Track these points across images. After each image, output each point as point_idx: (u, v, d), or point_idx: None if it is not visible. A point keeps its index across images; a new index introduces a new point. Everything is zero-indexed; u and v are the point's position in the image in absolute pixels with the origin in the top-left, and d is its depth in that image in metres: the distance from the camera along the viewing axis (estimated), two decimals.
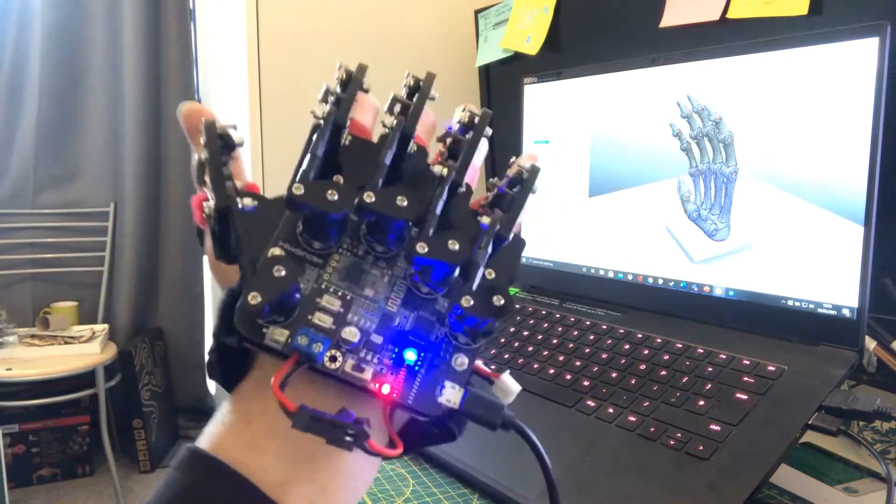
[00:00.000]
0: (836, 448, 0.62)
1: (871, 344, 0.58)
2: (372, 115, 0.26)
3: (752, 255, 0.62)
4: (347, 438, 0.20)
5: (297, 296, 0.21)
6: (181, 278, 2.48)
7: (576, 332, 0.70)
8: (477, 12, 1.23)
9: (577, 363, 0.65)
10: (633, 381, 0.59)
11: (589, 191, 0.78)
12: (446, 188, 0.22)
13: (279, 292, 0.20)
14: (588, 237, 0.78)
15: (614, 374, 0.61)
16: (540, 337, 0.71)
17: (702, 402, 0.54)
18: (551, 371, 0.65)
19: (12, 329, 2.09)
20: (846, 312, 0.56)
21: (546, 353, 0.68)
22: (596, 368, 0.63)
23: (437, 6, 1.39)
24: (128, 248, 2.33)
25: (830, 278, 0.57)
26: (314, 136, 0.22)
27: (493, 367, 0.24)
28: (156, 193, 2.41)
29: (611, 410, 0.56)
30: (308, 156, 0.22)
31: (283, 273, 0.20)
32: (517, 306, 0.79)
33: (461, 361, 0.22)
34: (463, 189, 0.23)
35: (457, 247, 0.21)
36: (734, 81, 0.64)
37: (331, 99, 0.24)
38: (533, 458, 0.27)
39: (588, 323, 0.71)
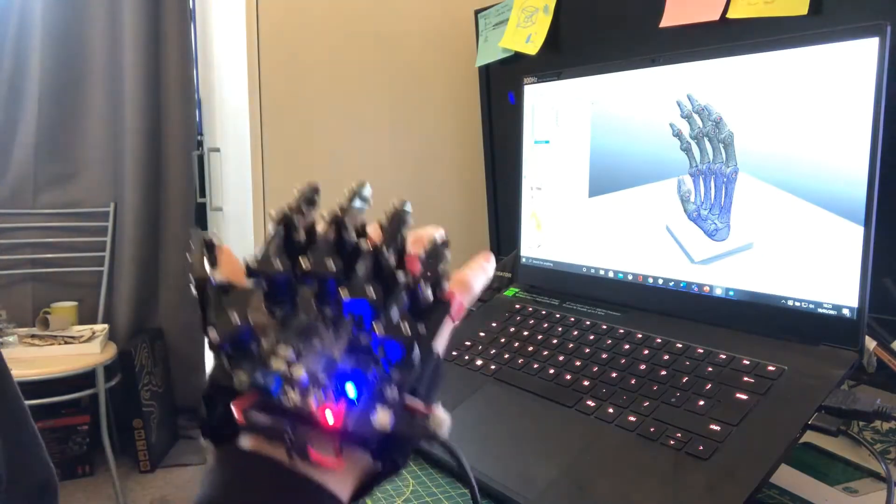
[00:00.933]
0: (836, 448, 0.62)
1: (871, 344, 0.58)
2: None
3: (752, 255, 0.62)
4: (286, 438, 0.25)
5: (255, 345, 0.27)
6: (181, 278, 2.48)
7: (576, 332, 0.70)
8: (477, 12, 1.23)
9: (577, 363, 0.65)
10: (633, 381, 0.59)
11: (589, 191, 0.78)
12: (370, 256, 0.29)
13: (232, 332, 0.27)
14: (588, 237, 0.78)
15: (614, 374, 0.61)
16: (540, 337, 0.71)
17: (702, 402, 0.54)
18: (551, 371, 0.65)
19: (12, 329, 2.09)
20: (846, 312, 0.56)
21: (546, 353, 0.68)
22: (596, 368, 0.63)
23: (437, 6, 1.39)
24: (128, 248, 2.34)
25: (830, 278, 0.57)
26: (271, 230, 0.31)
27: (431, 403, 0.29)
28: (156, 193, 2.41)
29: (611, 410, 0.56)
30: (264, 245, 0.30)
31: (237, 321, 0.27)
32: (517, 306, 0.79)
33: (392, 391, 0.27)
34: (387, 260, 0.30)
35: (372, 291, 0.28)
36: (734, 81, 0.64)
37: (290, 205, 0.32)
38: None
39: (588, 323, 0.71)
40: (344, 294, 0.28)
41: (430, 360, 0.29)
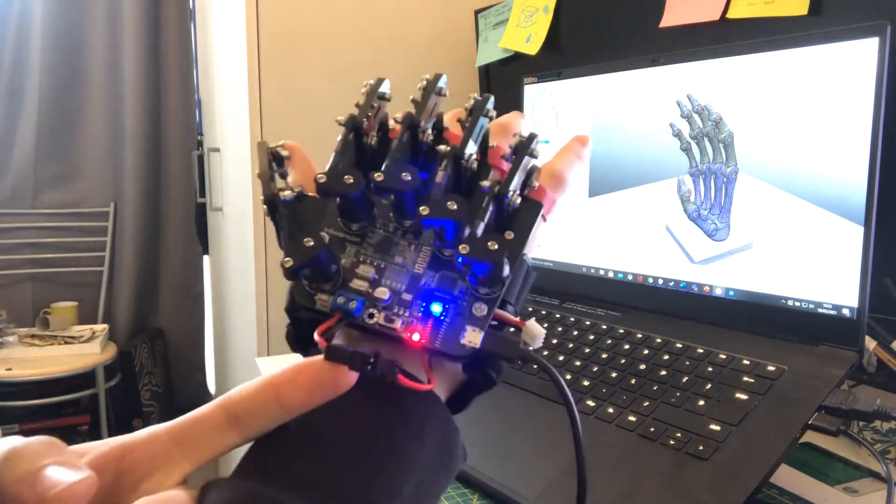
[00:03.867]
0: (836, 448, 0.62)
1: (871, 344, 0.58)
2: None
3: (752, 255, 0.62)
4: (369, 368, 0.23)
5: (334, 265, 0.26)
6: (181, 278, 2.48)
7: (576, 332, 0.70)
8: (477, 12, 1.23)
9: (577, 363, 0.65)
10: (633, 381, 0.59)
11: (589, 191, 0.78)
12: (450, 161, 0.26)
13: (308, 257, 0.24)
14: (588, 237, 0.78)
15: (614, 374, 0.61)
16: None
17: (702, 402, 0.54)
18: None
19: (12, 329, 2.09)
20: (846, 312, 0.56)
21: (546, 353, 0.68)
22: (596, 368, 0.63)
23: (437, 6, 1.39)
24: (128, 248, 2.34)
25: (830, 278, 0.57)
26: (339, 139, 0.27)
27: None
28: (156, 193, 2.42)
29: (611, 410, 0.56)
30: (333, 154, 0.27)
31: (312, 243, 0.24)
32: None
33: (480, 308, 0.26)
34: (469, 163, 0.27)
35: (455, 206, 0.25)
36: (734, 81, 0.64)
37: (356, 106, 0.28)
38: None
39: (588, 323, 0.71)
40: (424, 212, 0.25)
41: (522, 268, 0.27)
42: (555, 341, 0.69)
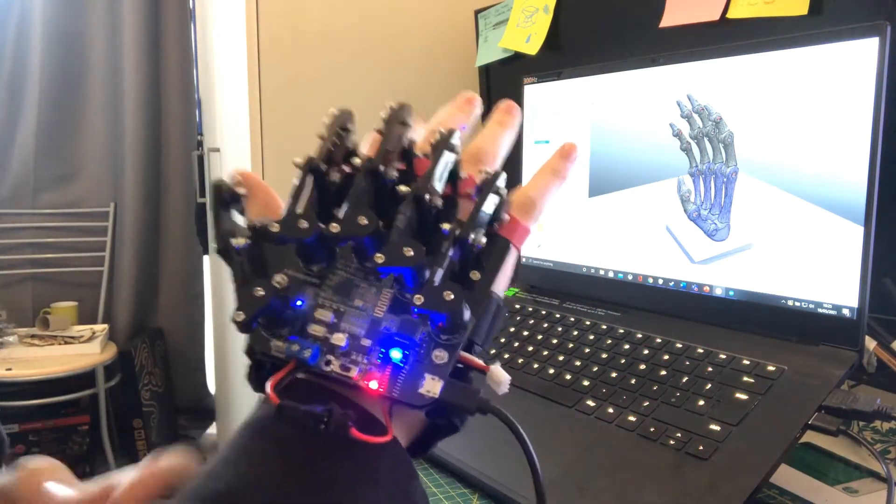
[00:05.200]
0: (836, 448, 0.62)
1: (871, 344, 0.58)
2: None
3: (752, 255, 0.62)
4: (322, 427, 0.22)
5: (290, 311, 0.25)
6: (181, 278, 2.48)
7: (576, 332, 0.70)
8: (477, 12, 1.23)
9: (577, 363, 0.65)
10: (633, 381, 0.59)
11: (589, 191, 0.78)
12: (410, 204, 0.25)
13: (257, 308, 0.24)
14: (588, 237, 0.78)
15: (614, 374, 0.61)
16: (540, 337, 0.71)
17: (702, 402, 0.54)
18: (551, 371, 0.65)
19: (12, 329, 2.09)
20: (846, 312, 0.56)
21: (546, 353, 0.68)
22: (596, 368, 0.63)
23: (437, 6, 1.39)
24: (128, 248, 2.33)
25: (830, 278, 0.57)
26: (295, 181, 0.26)
27: (487, 361, 0.26)
28: (156, 193, 2.41)
29: (611, 410, 0.56)
30: (290, 199, 0.26)
31: (262, 293, 0.24)
32: (517, 306, 0.79)
33: (440, 355, 0.25)
34: (432, 202, 0.26)
35: (412, 253, 0.24)
36: (734, 81, 0.64)
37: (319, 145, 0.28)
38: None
39: (588, 323, 0.71)
40: (379, 260, 0.24)
41: (489, 308, 0.26)
42: (555, 341, 0.69)
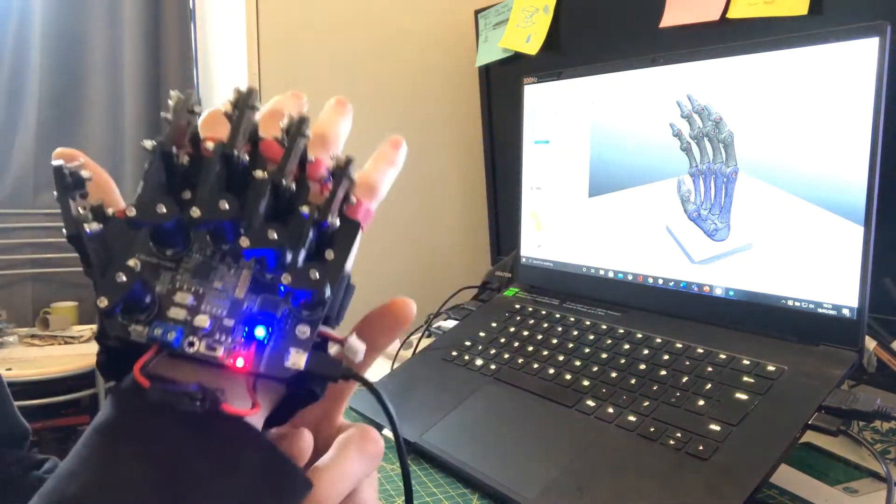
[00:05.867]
0: (836, 448, 0.62)
1: (871, 344, 0.58)
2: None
3: (752, 255, 0.62)
4: (197, 404, 0.23)
5: (148, 296, 0.25)
6: None
7: (576, 332, 0.70)
8: (477, 12, 1.23)
9: (577, 363, 0.65)
10: (633, 381, 0.59)
11: (589, 191, 0.78)
12: (266, 189, 0.26)
13: (122, 293, 0.24)
14: (588, 237, 0.78)
15: (614, 374, 0.61)
16: (540, 337, 0.71)
17: (702, 402, 0.54)
18: (551, 371, 0.65)
19: (12, 329, 2.09)
20: (846, 312, 0.56)
21: (546, 353, 0.68)
22: (596, 368, 0.63)
23: (437, 6, 1.39)
24: None
25: (830, 278, 0.57)
26: (146, 165, 0.27)
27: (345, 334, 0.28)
28: None
29: (611, 410, 0.56)
30: (141, 182, 0.26)
31: (124, 278, 0.24)
32: (517, 306, 0.79)
33: (303, 330, 0.26)
34: (287, 185, 0.27)
35: (275, 236, 0.25)
36: (734, 81, 0.64)
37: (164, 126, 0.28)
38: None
39: (588, 323, 0.71)
40: (244, 243, 0.25)
41: (342, 285, 0.27)
42: (555, 341, 0.69)
